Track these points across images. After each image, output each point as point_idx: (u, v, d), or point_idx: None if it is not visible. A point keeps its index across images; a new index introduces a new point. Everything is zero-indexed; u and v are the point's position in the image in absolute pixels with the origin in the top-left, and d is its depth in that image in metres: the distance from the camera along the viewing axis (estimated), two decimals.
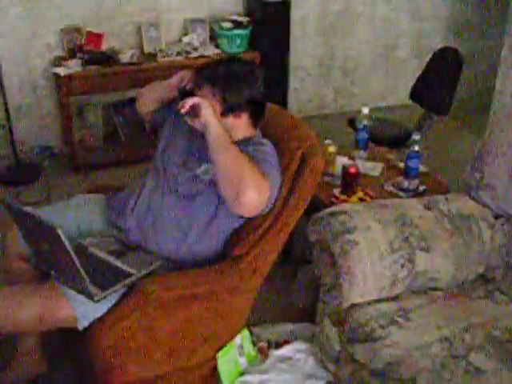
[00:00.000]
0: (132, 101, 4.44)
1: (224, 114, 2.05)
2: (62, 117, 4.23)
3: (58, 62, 4.12)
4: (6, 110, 4.02)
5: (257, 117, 2.16)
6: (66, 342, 2.25)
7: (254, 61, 4.33)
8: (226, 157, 1.91)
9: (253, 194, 1.89)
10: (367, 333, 1.92)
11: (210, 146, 1.94)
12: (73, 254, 1.70)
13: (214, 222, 2.07)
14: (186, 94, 2.14)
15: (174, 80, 2.24)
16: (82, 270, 1.73)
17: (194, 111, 1.97)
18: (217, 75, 2.07)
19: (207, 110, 1.95)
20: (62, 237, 1.66)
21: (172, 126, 2.29)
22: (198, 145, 2.14)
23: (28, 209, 1.80)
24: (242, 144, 2.03)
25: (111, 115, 4.48)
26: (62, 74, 3.92)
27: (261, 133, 2.20)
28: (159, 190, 2.13)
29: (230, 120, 2.07)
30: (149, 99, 2.40)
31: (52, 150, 4.47)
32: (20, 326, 1.92)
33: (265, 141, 2.14)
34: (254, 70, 2.15)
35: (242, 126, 2.11)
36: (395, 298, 2.07)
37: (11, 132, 4.09)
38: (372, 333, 1.91)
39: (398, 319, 1.95)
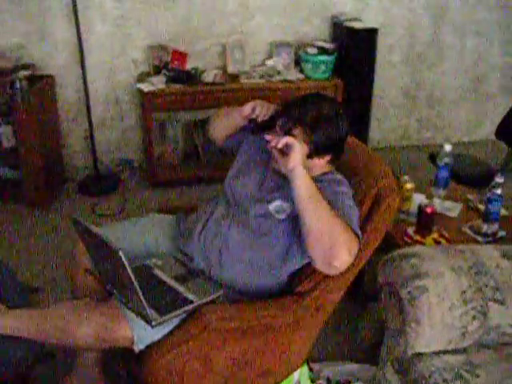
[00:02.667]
0: None
1: (310, 155, 2.00)
2: (144, 132, 4.31)
3: (143, 78, 4.21)
4: (90, 122, 4.12)
5: (338, 155, 2.11)
6: (125, 361, 2.24)
7: (337, 89, 4.30)
8: (318, 214, 1.83)
9: (346, 257, 1.81)
10: None
11: (298, 198, 1.86)
12: (133, 278, 1.68)
13: (282, 263, 2.02)
14: (257, 125, 2.11)
15: (247, 109, 2.17)
16: (141, 295, 1.71)
17: (284, 150, 1.91)
18: (308, 117, 1.99)
19: (298, 155, 1.87)
20: (124, 260, 1.64)
21: (246, 154, 2.26)
22: (272, 179, 2.11)
23: (93, 227, 1.80)
24: (318, 180, 1.97)
25: (192, 133, 4.53)
26: (146, 90, 3.99)
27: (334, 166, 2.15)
28: (228, 220, 2.09)
29: (314, 161, 2.02)
30: (220, 126, 2.37)
31: (132, 163, 4.57)
32: (77, 342, 1.90)
33: (340, 177, 2.07)
34: (340, 109, 2.08)
35: (322, 164, 2.07)
36: (463, 351, 1.95)
37: (93, 144, 4.19)
38: None
39: (465, 374, 1.83)
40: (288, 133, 1.96)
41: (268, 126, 2.06)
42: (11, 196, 3.99)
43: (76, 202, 4.10)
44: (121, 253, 1.64)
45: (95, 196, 4.16)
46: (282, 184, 2.04)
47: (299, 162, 1.87)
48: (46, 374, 2.44)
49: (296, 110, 2.01)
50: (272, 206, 2.02)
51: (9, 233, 3.66)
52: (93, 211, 3.94)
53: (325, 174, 2.07)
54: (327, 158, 2.06)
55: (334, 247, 1.79)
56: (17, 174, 3.97)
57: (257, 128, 2.12)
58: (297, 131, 1.97)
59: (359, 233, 1.90)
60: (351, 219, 1.90)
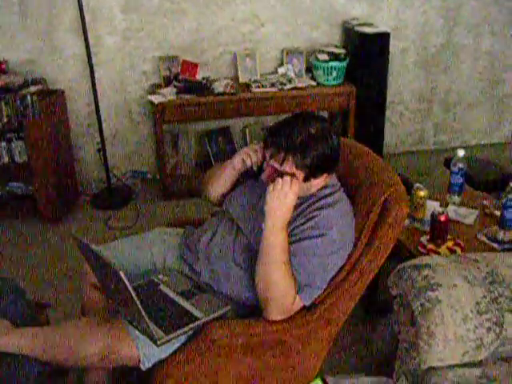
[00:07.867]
0: (225, 129, 4.47)
1: (307, 178, 1.92)
2: (156, 143, 4.28)
3: (154, 89, 4.19)
4: (102, 135, 4.11)
5: (333, 170, 2.03)
6: (134, 379, 2.20)
7: (350, 95, 4.25)
8: (266, 269, 1.85)
9: (274, 317, 1.89)
10: None
11: (261, 243, 1.87)
12: (136, 298, 1.64)
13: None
14: (255, 172, 2.11)
15: (238, 161, 2.14)
16: (144, 314, 1.68)
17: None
18: (296, 142, 1.88)
19: (269, 205, 1.84)
20: (125, 280, 1.61)
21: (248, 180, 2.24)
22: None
23: (94, 247, 1.76)
24: (312, 202, 1.96)
25: (204, 144, 4.50)
26: (156, 102, 3.96)
27: (337, 179, 2.07)
28: (233, 234, 2.07)
29: (311, 182, 1.95)
30: (215, 186, 2.28)
31: (145, 175, 4.54)
32: (83, 361, 1.87)
33: (338, 198, 2.00)
34: (326, 124, 1.98)
35: (320, 182, 1.98)
36: (479, 364, 1.88)
37: (105, 157, 4.17)
38: None
39: None
40: (281, 164, 1.88)
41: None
42: (25, 211, 3.98)
43: (89, 215, 4.09)
44: (121, 273, 1.61)
45: (109, 209, 4.15)
46: None
47: (270, 213, 1.84)
48: None
49: (282, 137, 1.90)
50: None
51: (22, 249, 3.65)
52: (106, 224, 3.92)
53: (323, 188, 2.00)
54: (324, 175, 1.98)
55: (266, 306, 1.88)
56: (30, 189, 3.96)
57: (256, 174, 2.11)
58: (289, 160, 1.88)
59: (307, 296, 1.90)
60: (311, 273, 1.89)
